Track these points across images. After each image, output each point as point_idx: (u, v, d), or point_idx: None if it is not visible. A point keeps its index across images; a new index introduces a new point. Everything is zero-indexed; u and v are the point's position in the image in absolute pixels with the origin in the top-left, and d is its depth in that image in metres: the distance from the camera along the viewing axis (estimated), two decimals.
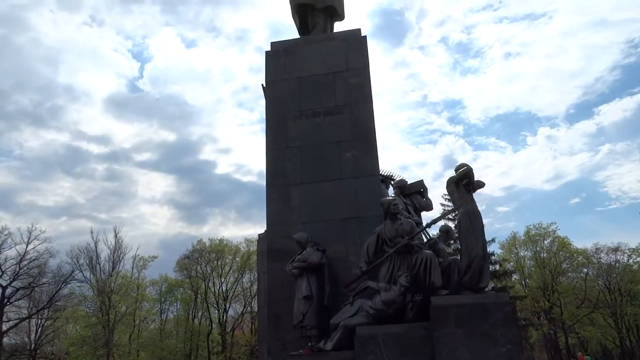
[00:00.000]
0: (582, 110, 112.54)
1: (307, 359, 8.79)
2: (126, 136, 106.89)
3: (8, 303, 44.73)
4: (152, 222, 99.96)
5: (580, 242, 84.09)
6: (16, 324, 46.50)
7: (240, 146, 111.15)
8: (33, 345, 48.63)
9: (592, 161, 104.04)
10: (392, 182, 12.44)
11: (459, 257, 9.23)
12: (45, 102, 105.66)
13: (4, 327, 45.46)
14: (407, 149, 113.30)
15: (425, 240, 10.35)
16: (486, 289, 8.95)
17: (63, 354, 52.59)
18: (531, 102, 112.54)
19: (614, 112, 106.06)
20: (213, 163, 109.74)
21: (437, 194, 47.26)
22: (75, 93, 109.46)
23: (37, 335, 49.32)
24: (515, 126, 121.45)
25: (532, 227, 55.09)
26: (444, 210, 37.71)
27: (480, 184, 9.33)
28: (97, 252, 53.18)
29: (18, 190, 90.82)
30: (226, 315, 59.18)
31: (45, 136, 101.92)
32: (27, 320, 48.08)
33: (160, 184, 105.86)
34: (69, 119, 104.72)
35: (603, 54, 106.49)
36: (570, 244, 54.12)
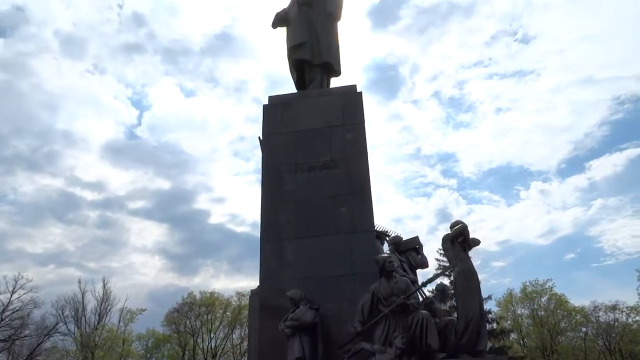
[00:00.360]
0: (573, 164, 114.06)
1: None
2: (121, 183, 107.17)
3: None
4: (142, 272, 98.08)
5: (577, 299, 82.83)
6: None
7: (234, 196, 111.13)
8: None
9: (586, 216, 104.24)
10: (387, 238, 12.30)
11: (455, 317, 8.97)
12: (42, 147, 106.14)
13: None
14: (401, 201, 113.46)
15: (421, 299, 10.08)
16: (484, 352, 8.63)
17: None
18: (523, 156, 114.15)
19: (604, 167, 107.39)
20: (207, 212, 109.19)
21: (432, 248, 47.02)
22: (72, 139, 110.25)
23: None
24: (508, 180, 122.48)
25: (528, 283, 54.51)
26: (439, 265, 37.31)
27: (476, 242, 9.22)
28: (83, 304, 51.82)
29: (7, 236, 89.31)
30: None
31: (39, 181, 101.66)
32: None
33: (152, 232, 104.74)
34: (65, 165, 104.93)
35: (591, 110, 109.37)
36: (568, 301, 53.38)
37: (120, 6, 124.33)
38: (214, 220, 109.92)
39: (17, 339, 43.86)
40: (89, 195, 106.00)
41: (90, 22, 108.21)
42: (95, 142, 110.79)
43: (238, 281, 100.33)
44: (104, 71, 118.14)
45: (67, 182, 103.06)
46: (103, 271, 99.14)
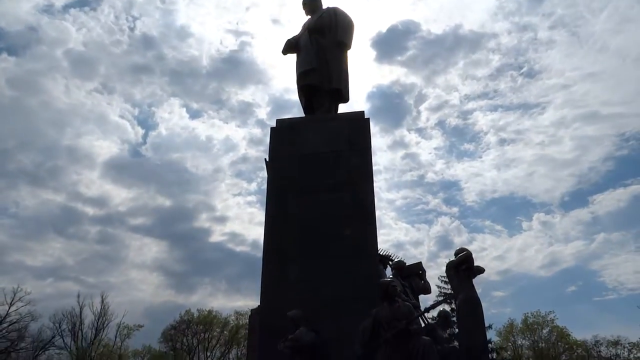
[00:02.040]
0: (577, 198, 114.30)
1: None
2: (122, 200, 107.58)
3: None
4: (140, 288, 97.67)
5: (579, 332, 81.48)
6: None
7: (235, 216, 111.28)
8: None
9: (588, 250, 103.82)
10: (390, 263, 12.33)
11: (457, 345, 8.95)
12: (46, 162, 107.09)
13: None
14: (403, 227, 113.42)
15: (423, 325, 10.07)
16: None
17: None
18: (526, 187, 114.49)
19: (608, 202, 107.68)
20: (207, 231, 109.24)
21: (433, 275, 46.60)
22: (77, 155, 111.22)
23: None
24: (510, 210, 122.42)
25: (530, 314, 53.97)
26: (440, 292, 37.07)
27: (480, 270, 9.25)
28: (81, 318, 51.54)
29: (8, 248, 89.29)
30: None
31: (42, 195, 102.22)
32: None
33: (151, 249, 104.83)
34: (68, 180, 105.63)
35: (596, 145, 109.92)
36: (569, 334, 52.78)
37: (132, 29, 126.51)
38: (214, 239, 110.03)
39: (13, 351, 43.54)
40: (90, 211, 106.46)
41: (101, 42, 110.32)
42: (100, 159, 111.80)
43: (236, 300, 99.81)
44: (112, 91, 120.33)
45: (69, 197, 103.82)
46: (101, 286, 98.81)
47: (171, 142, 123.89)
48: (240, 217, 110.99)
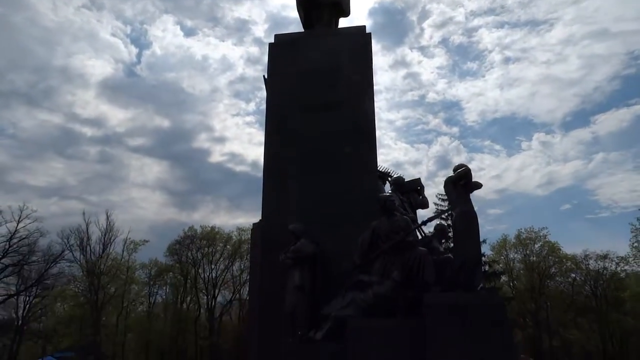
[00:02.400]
0: (579, 118, 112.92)
1: (297, 348, 8.89)
2: (120, 120, 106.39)
3: None
4: (143, 206, 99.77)
5: (570, 248, 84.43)
6: (4, 300, 46.39)
7: (234, 136, 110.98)
8: (20, 322, 48.63)
9: (586, 169, 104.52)
10: (389, 179, 12.52)
11: (452, 257, 9.34)
12: (39, 82, 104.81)
13: None
14: (402, 147, 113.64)
15: (420, 237, 10.45)
16: (478, 289, 9.08)
17: (50, 331, 52.58)
18: (528, 107, 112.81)
19: (610, 121, 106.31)
20: (206, 151, 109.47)
21: (431, 193, 47.57)
22: (69, 75, 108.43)
23: (25, 312, 49.30)
24: (511, 131, 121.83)
25: (523, 230, 55.61)
26: (437, 209, 37.93)
27: (478, 185, 9.42)
28: (88, 234, 53.08)
29: (10, 169, 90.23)
30: (215, 302, 59.37)
31: (38, 116, 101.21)
32: (15, 297, 47.98)
33: (152, 169, 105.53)
34: (63, 101, 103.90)
35: (603, 63, 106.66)
36: (560, 249, 54.71)
37: None
38: (213, 159, 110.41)
39: (25, 264, 45.39)
40: (89, 132, 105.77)
41: None
42: (93, 78, 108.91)
43: (238, 217, 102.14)
44: (101, 7, 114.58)
45: (66, 119, 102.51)
46: (105, 204, 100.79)
47: (166, 61, 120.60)
48: (240, 137, 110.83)
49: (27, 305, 49.63)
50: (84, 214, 54.91)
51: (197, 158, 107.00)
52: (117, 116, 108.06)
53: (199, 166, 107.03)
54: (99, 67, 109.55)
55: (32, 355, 56.90)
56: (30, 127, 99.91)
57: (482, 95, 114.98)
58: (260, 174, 12.07)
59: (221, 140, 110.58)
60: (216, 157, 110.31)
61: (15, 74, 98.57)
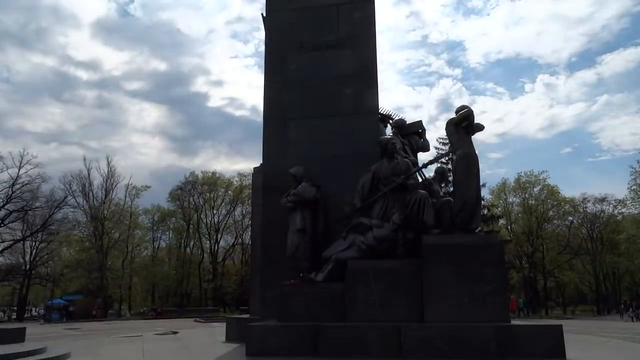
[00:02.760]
0: (585, 59, 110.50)
1: (299, 289, 9.06)
2: (116, 63, 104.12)
3: (2, 225, 45.24)
4: (143, 152, 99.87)
5: (569, 191, 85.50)
6: (11, 245, 47.29)
7: (233, 79, 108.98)
8: (28, 266, 49.78)
9: (588, 112, 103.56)
10: (391, 122, 12.35)
11: (452, 199, 9.33)
12: (29, 23, 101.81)
13: None
14: (403, 90, 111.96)
15: (420, 180, 10.41)
16: (477, 231, 9.13)
17: (58, 275, 53.94)
18: (533, 48, 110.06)
19: (616, 62, 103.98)
20: (205, 95, 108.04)
21: (432, 137, 47.18)
22: (60, 15, 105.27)
23: (32, 256, 50.36)
24: (514, 72, 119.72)
25: (523, 174, 55.78)
26: (438, 153, 37.82)
27: (480, 127, 9.27)
28: (89, 180, 53.28)
29: (7, 114, 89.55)
30: (217, 246, 60.56)
31: (31, 59, 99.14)
32: (21, 242, 48.86)
33: (151, 114, 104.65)
34: (56, 43, 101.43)
35: (613, 0, 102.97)
36: (559, 192, 55.10)
37: None
38: (212, 103, 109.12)
39: (29, 210, 45.85)
40: (84, 75, 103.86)
41: None
42: (86, 19, 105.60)
43: (238, 162, 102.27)
44: None
45: (60, 61, 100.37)
46: (105, 150, 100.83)
47: (160, 0, 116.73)
48: (238, 81, 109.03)
49: (34, 250, 50.62)
50: (84, 159, 55.11)
51: (195, 102, 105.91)
52: (113, 59, 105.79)
53: (198, 111, 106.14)
54: (91, 7, 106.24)
55: (42, 298, 58.73)
56: (25, 70, 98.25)
57: (487, 35, 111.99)
58: (261, 119, 11.89)
59: (219, 83, 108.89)
60: (215, 102, 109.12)
61: (3, 14, 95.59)
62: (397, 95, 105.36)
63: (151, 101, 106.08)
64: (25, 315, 52.42)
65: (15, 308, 53.25)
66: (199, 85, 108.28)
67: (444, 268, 8.24)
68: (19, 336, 10.99)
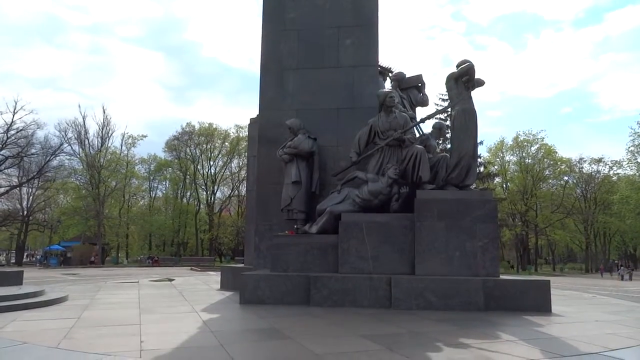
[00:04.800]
0: (592, 15, 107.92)
1: (293, 240, 9.15)
2: (107, 7, 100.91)
3: None
4: (139, 101, 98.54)
5: (566, 151, 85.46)
6: (7, 191, 47.41)
7: (229, 29, 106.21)
8: (25, 212, 50.13)
9: (592, 70, 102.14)
10: (390, 75, 12.11)
11: (448, 155, 9.29)
12: None
13: None
14: (405, 43, 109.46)
15: (417, 135, 10.34)
16: (471, 187, 9.14)
17: (55, 221, 54.43)
18: (540, 2, 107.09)
19: (624, 19, 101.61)
20: (199, 44, 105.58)
21: (432, 92, 46.65)
22: None
23: (29, 203, 50.63)
24: (518, 28, 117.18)
25: (521, 133, 55.58)
26: (437, 109, 37.49)
27: (480, 82, 9.09)
28: (85, 127, 52.88)
29: None
30: (214, 197, 60.94)
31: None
32: (18, 188, 48.97)
33: (145, 62, 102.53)
34: None
35: None
36: (556, 152, 55.15)
37: None
38: (207, 53, 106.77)
39: (25, 156, 45.68)
40: (75, 19, 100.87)
41: None
42: None
43: (235, 113, 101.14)
44: None
45: (49, 2, 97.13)
46: (100, 97, 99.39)
47: None
48: (235, 30, 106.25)
49: (31, 197, 50.87)
50: (79, 107, 54.48)
51: (190, 51, 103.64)
52: (104, 2, 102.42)
53: (192, 60, 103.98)
54: None
55: (40, 244, 59.45)
56: (13, 12, 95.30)
57: None
58: (258, 71, 11.61)
59: (215, 32, 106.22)
60: (210, 51, 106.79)
61: None
62: (397, 49, 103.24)
63: (145, 48, 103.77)
64: (24, 260, 53.27)
65: (14, 253, 54.06)
66: (193, 33, 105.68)
67: (436, 223, 8.30)
68: (17, 279, 11.18)
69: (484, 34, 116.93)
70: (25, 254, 59.85)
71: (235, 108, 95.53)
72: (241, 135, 56.10)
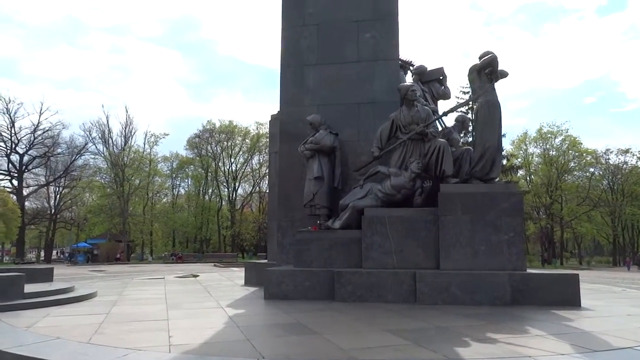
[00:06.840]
0: (615, 2, 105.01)
1: (316, 236, 9.17)
2: (125, 7, 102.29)
3: (26, 170, 46.34)
4: (159, 99, 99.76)
5: (591, 142, 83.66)
6: (36, 190, 48.72)
7: (247, 25, 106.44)
8: (53, 211, 51.35)
9: (616, 59, 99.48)
10: (411, 68, 12.00)
11: (472, 148, 9.17)
12: None
13: (25, 192, 47.64)
14: (425, 36, 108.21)
15: (440, 129, 10.23)
16: (496, 180, 9.02)
17: (81, 219, 55.63)
18: None
19: None
20: (215, 42, 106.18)
21: (453, 84, 46.10)
22: None
23: (56, 201, 51.86)
24: (540, 17, 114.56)
25: (545, 124, 54.56)
26: (458, 103, 37.07)
27: (504, 74, 8.93)
28: (109, 127, 53.84)
29: (22, 59, 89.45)
30: (235, 194, 61.47)
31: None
32: (45, 187, 50.19)
33: (164, 60, 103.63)
34: None
35: None
36: (581, 143, 53.99)
37: None
38: (225, 50, 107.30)
39: (51, 156, 46.79)
40: (95, 20, 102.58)
41: None
42: None
43: (254, 109, 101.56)
44: None
45: (70, 5, 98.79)
46: (120, 97, 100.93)
47: None
48: (253, 27, 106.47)
49: (58, 196, 52.09)
50: (102, 107, 55.44)
51: (207, 48, 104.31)
52: (122, 2, 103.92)
53: (210, 57, 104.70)
54: None
55: (67, 242, 60.79)
56: (36, 15, 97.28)
57: None
58: (278, 67, 11.65)
59: (233, 29, 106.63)
60: (227, 49, 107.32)
61: None
62: (417, 42, 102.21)
63: (163, 46, 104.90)
64: (52, 257, 54.62)
65: (43, 250, 55.43)
66: (210, 31, 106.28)
67: (460, 217, 8.21)
68: (47, 276, 11.47)
69: (504, 24, 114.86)
70: (54, 251, 61.31)
71: (254, 104, 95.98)
72: (261, 132, 56.36)
